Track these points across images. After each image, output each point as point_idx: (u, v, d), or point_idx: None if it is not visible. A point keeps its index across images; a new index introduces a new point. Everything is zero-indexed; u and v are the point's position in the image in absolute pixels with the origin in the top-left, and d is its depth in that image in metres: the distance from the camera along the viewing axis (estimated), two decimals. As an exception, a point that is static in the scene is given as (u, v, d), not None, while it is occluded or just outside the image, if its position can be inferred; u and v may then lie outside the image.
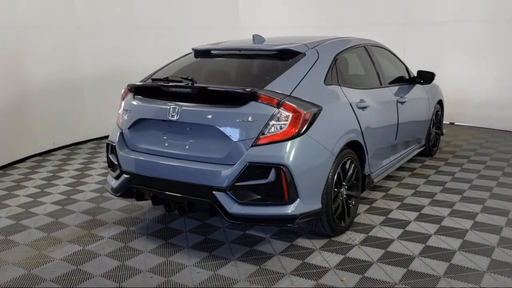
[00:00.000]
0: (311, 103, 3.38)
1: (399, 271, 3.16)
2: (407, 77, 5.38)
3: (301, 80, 3.49)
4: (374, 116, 4.15)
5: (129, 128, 3.75)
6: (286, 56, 3.78)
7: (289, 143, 3.19)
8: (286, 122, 3.20)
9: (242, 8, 9.37)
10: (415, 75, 5.43)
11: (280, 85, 3.40)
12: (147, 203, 4.51)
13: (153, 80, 3.89)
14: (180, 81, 3.63)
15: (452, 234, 3.74)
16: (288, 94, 3.32)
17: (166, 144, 3.56)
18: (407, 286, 2.97)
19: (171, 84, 3.58)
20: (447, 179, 5.19)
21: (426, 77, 5.36)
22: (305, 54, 3.74)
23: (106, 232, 3.97)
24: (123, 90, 4.01)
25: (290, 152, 3.18)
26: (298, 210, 3.22)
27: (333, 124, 3.55)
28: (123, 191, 3.75)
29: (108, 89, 7.35)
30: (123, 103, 3.92)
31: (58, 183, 5.42)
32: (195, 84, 3.48)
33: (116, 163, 3.81)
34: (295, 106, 3.22)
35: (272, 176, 3.17)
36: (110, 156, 3.95)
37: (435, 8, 8.06)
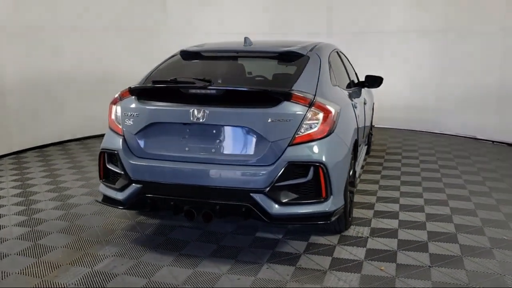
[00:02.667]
0: (333, 102, 3.49)
1: (424, 256, 3.43)
2: (356, 81, 5.78)
3: (318, 81, 3.59)
4: (358, 116, 4.42)
5: (136, 134, 3.46)
6: (291, 58, 3.85)
7: (323, 141, 3.27)
8: (317, 121, 3.26)
9: (169, 11, 9.10)
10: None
11: (302, 86, 3.46)
12: (122, 215, 4.21)
13: (154, 82, 3.64)
14: (193, 83, 3.47)
15: (441, 219, 4.15)
16: (314, 94, 3.40)
17: (187, 149, 3.36)
18: (440, 267, 3.24)
19: (196, 85, 3.39)
20: (397, 173, 5.71)
21: (374, 81, 5.79)
22: (309, 57, 3.84)
23: (105, 249, 3.60)
24: (118, 94, 3.68)
25: (325, 150, 3.25)
26: (333, 207, 3.31)
27: (347, 123, 3.71)
28: (133, 203, 3.44)
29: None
30: (118, 108, 3.60)
31: (3, 203, 4.71)
32: (218, 86, 3.36)
33: (120, 172, 3.48)
34: (325, 105, 3.31)
35: (310, 174, 3.21)
36: (108, 165, 3.59)
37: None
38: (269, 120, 3.20)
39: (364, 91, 5.86)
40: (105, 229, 4.00)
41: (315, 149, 3.22)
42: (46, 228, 4.01)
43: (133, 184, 3.41)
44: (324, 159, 3.21)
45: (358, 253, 3.51)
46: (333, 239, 3.76)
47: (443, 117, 8.39)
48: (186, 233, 3.90)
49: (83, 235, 3.88)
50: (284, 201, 3.19)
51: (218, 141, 3.30)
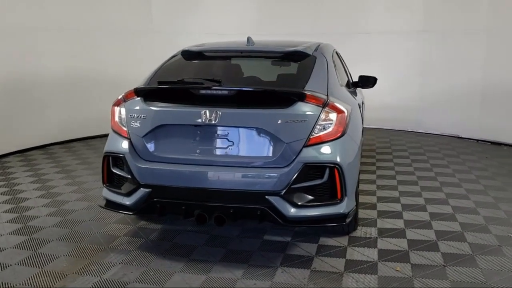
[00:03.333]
0: (344, 102, 3.46)
1: (436, 256, 3.44)
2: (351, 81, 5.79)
3: (327, 81, 3.55)
4: (362, 116, 4.41)
5: (144, 136, 3.34)
6: (297, 58, 3.80)
7: (337, 142, 3.23)
8: (331, 122, 3.22)
9: (155, 12, 8.94)
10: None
11: (314, 86, 3.41)
12: (122, 221, 4.07)
13: (160, 83, 3.53)
14: (202, 84, 3.39)
15: (445, 218, 4.18)
16: (326, 94, 3.36)
17: (198, 151, 3.27)
18: (455, 266, 3.25)
19: (208, 86, 3.30)
20: (391, 172, 5.75)
21: (368, 82, 5.79)
22: (315, 57, 3.80)
23: (110, 257, 3.46)
24: (121, 95, 3.55)
25: (339, 151, 3.21)
26: (348, 208, 3.27)
27: (356, 123, 3.69)
28: (142, 208, 3.32)
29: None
30: (122, 110, 3.47)
31: (-8, 210, 4.49)
32: (231, 86, 3.29)
33: (127, 176, 3.36)
34: (339, 106, 3.27)
35: (326, 175, 3.16)
36: (113, 169, 3.46)
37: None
38: (284, 121, 3.14)
39: (358, 91, 5.88)
40: (107, 235, 3.85)
41: (330, 150, 3.18)
42: (44, 236, 3.83)
43: (142, 189, 3.29)
44: (339, 160, 3.17)
45: (371, 254, 3.49)
46: (343, 241, 3.73)
47: (427, 116, 8.53)
48: (192, 238, 3.80)
49: (84, 242, 3.73)
50: (300, 203, 3.13)
51: (231, 143, 3.22)
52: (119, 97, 3.56)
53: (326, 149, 3.18)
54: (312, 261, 3.39)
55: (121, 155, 3.38)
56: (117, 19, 8.19)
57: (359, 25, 8.83)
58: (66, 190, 5.10)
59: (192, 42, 8.53)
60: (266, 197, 3.11)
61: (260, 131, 3.17)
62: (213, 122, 3.17)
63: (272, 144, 3.16)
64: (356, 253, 3.50)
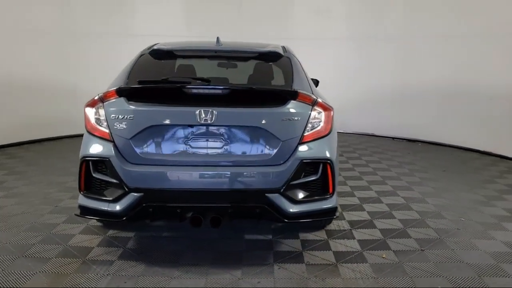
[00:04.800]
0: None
1: (411, 242, 3.73)
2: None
3: (308, 81, 3.68)
4: None
5: (131, 138, 3.16)
6: (272, 58, 3.87)
7: (326, 139, 3.35)
8: (320, 120, 3.34)
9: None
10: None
11: (299, 85, 3.51)
12: (87, 231, 3.82)
13: (140, 82, 3.38)
14: (189, 82, 3.32)
15: (402, 207, 4.54)
16: (312, 93, 3.48)
17: (192, 152, 3.18)
18: (430, 250, 3.56)
19: (203, 85, 3.23)
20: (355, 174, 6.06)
21: (315, 83, 6.05)
22: (289, 58, 3.91)
23: (94, 269, 3.20)
24: (97, 96, 3.32)
25: (329, 147, 3.35)
26: (336, 202, 3.42)
27: (335, 121, 3.85)
28: (132, 213, 3.13)
29: None
30: (101, 111, 3.25)
31: None
32: (228, 85, 3.26)
33: (113, 181, 3.16)
34: (325, 104, 3.41)
35: (320, 171, 3.28)
36: (94, 175, 3.22)
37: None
38: (280, 119, 3.19)
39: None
40: (78, 248, 3.56)
41: (323, 146, 3.30)
42: (5, 253, 3.42)
43: (132, 194, 3.11)
44: (330, 156, 3.31)
45: (353, 245, 3.68)
46: (321, 234, 3.88)
47: (349, 117, 9.12)
48: (173, 243, 3.67)
49: (56, 256, 3.40)
50: (298, 199, 3.21)
51: (227, 142, 3.19)
52: (95, 98, 3.33)
53: (318, 146, 3.29)
54: (302, 255, 3.48)
55: (105, 159, 3.16)
56: (35, 20, 7.60)
57: (288, 31, 9.10)
58: (6, 203, 4.59)
59: (119, 44, 8.25)
60: (266, 195, 3.13)
61: (256, 129, 3.19)
62: (208, 121, 3.11)
63: (269, 142, 3.20)
64: (339, 245, 3.66)
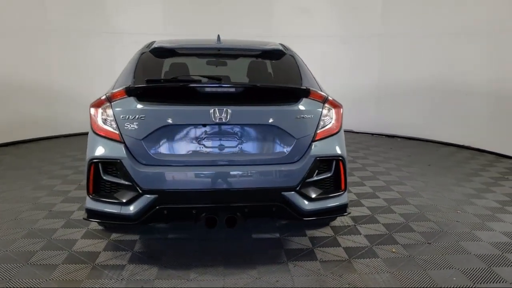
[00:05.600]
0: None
1: (416, 235, 3.82)
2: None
3: (314, 78, 3.69)
4: None
5: (143, 139, 3.08)
6: (276, 56, 3.85)
7: (337, 136, 3.37)
8: (331, 117, 3.36)
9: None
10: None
11: (308, 83, 3.52)
12: (89, 235, 3.71)
13: (149, 81, 3.29)
14: (200, 81, 3.27)
15: (399, 202, 4.63)
16: (321, 90, 3.49)
17: (206, 151, 3.13)
18: (437, 243, 3.65)
19: (216, 83, 3.17)
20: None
21: None
22: (292, 55, 3.90)
23: (107, 274, 3.11)
24: (104, 96, 3.22)
25: (341, 144, 3.37)
26: (348, 198, 3.45)
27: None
28: (146, 216, 3.05)
29: None
30: (109, 111, 3.14)
31: None
32: (241, 83, 3.22)
33: (126, 183, 3.06)
34: (335, 102, 3.43)
35: (333, 168, 3.30)
36: (105, 177, 3.12)
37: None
38: (294, 117, 3.19)
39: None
40: (84, 253, 3.43)
41: (335, 143, 3.32)
42: (9, 262, 3.26)
43: (146, 196, 3.03)
44: (342, 152, 3.33)
45: (360, 240, 3.72)
46: (327, 231, 3.90)
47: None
48: (180, 245, 3.61)
49: (64, 263, 3.27)
50: (313, 197, 3.21)
51: (242, 141, 3.15)
52: (102, 97, 3.22)
53: (331, 143, 3.31)
54: (313, 253, 3.49)
55: (116, 160, 3.06)
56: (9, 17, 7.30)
57: (278, 30, 9.09)
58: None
59: (96, 41, 8.03)
60: (282, 193, 3.12)
61: (271, 128, 3.17)
62: (223, 120, 3.07)
63: (283, 140, 3.18)
64: (348, 241, 3.70)
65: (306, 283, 3.03)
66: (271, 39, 5.98)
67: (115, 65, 8.65)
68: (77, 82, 8.43)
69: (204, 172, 3.08)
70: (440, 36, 7.60)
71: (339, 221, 4.11)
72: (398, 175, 5.69)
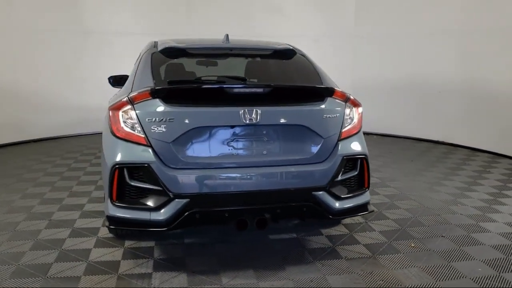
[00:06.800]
0: (348, 97, 3.67)
1: (425, 229, 3.93)
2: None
3: (329, 77, 3.71)
4: None
5: (172, 142, 2.98)
6: (288, 55, 3.84)
7: (359, 135, 3.42)
8: (353, 116, 3.40)
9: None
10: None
11: (328, 82, 3.54)
12: (102, 244, 3.57)
13: (171, 82, 3.20)
14: (224, 82, 3.22)
15: (399, 198, 4.75)
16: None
17: (236, 153, 3.07)
18: (449, 237, 3.78)
19: (246, 83, 3.12)
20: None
21: None
22: (303, 55, 3.91)
23: (136, 284, 2.99)
24: (126, 97, 3.09)
25: (363, 143, 3.42)
26: (369, 196, 3.50)
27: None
28: (178, 221, 2.95)
29: None
30: (132, 113, 3.01)
31: None
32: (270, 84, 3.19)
33: (156, 188, 2.95)
34: (356, 101, 3.47)
35: (358, 167, 3.34)
36: (131, 182, 2.99)
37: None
38: (321, 117, 3.19)
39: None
40: (104, 262, 3.27)
41: (358, 142, 3.36)
42: (24, 276, 3.05)
43: (177, 200, 2.94)
44: (365, 151, 3.38)
45: (377, 236, 3.79)
46: (341, 229, 3.94)
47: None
48: (200, 251, 3.52)
49: (83, 274, 3.11)
50: (341, 195, 3.23)
51: (271, 141, 3.12)
52: (123, 99, 3.09)
53: (355, 141, 3.34)
54: (336, 251, 3.52)
55: (144, 165, 2.95)
56: None
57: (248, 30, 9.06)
58: (-13, 220, 4.10)
59: (64, 40, 7.71)
60: (313, 193, 3.12)
61: (300, 128, 3.16)
62: (253, 121, 3.03)
63: (312, 140, 3.18)
64: (365, 238, 3.75)
65: (340, 282, 3.04)
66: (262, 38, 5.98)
67: (84, 65, 8.35)
68: (45, 83, 8.05)
69: (236, 174, 3.03)
70: (415, 36, 7.86)
71: (349, 218, 4.16)
72: (390, 172, 5.84)
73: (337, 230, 3.91)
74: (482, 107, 7.06)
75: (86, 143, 7.76)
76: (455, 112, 7.52)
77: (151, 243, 3.60)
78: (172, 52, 3.65)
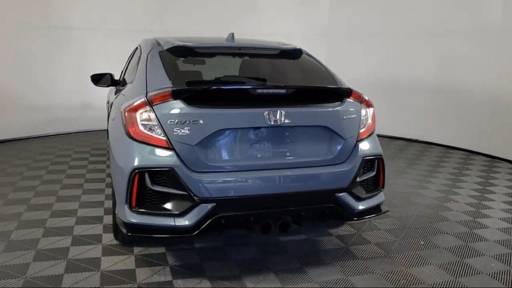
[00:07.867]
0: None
1: (435, 226, 4.03)
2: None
3: (340, 77, 3.72)
4: None
5: (196, 145, 2.88)
6: (295, 55, 3.82)
7: (374, 135, 3.46)
8: (368, 116, 3.43)
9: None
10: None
11: (341, 82, 3.55)
12: (108, 252, 3.42)
13: (190, 83, 3.10)
14: (244, 82, 3.16)
15: (411, 195, 4.86)
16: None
17: (259, 155, 3.01)
18: (456, 231, 3.89)
19: (268, 86, 3.06)
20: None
21: None
22: (308, 55, 3.90)
23: (159, 293, 2.88)
24: (144, 98, 2.95)
25: (378, 143, 3.45)
26: (384, 196, 3.53)
27: None
28: (204, 226, 2.85)
29: None
30: (152, 115, 2.88)
31: None
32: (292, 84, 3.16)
33: (180, 193, 2.84)
34: (370, 101, 3.50)
35: (375, 167, 3.37)
36: (154, 187, 2.85)
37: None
38: (341, 118, 3.19)
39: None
40: (118, 271, 3.11)
41: (375, 143, 3.39)
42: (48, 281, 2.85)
43: (203, 205, 2.84)
44: (381, 151, 3.41)
45: (386, 235, 3.84)
46: (348, 228, 3.97)
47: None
48: (213, 253, 3.44)
49: (101, 284, 2.94)
50: (361, 196, 3.24)
51: (294, 143, 3.08)
52: (141, 100, 2.95)
53: (372, 142, 3.37)
54: (350, 251, 3.54)
55: (167, 168, 2.83)
56: None
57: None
58: (-26, 229, 3.80)
59: (34, 37, 7.33)
60: (336, 194, 3.11)
61: (323, 128, 3.14)
62: (278, 123, 2.98)
63: (334, 141, 3.17)
64: (374, 237, 3.80)
65: (364, 282, 3.05)
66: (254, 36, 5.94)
67: (56, 62, 7.95)
68: (14, 81, 7.61)
69: (261, 177, 2.96)
70: (389, 36, 8.05)
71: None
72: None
73: (345, 230, 3.93)
74: (455, 106, 7.33)
75: (57, 144, 7.39)
76: (428, 111, 7.76)
77: (161, 249, 3.47)
78: (182, 51, 3.53)
